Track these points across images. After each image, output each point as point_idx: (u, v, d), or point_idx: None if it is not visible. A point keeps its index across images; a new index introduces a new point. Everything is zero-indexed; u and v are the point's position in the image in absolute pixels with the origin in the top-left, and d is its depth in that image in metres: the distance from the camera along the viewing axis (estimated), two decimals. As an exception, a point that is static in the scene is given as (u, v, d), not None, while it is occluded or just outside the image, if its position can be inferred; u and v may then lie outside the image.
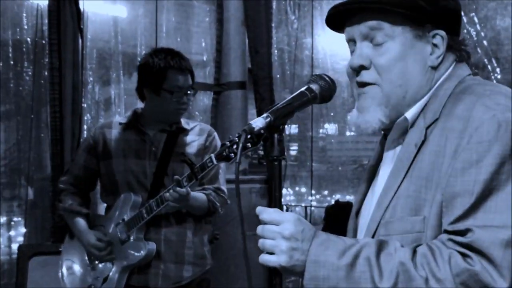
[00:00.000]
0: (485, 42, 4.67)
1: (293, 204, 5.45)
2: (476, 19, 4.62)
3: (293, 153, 5.86)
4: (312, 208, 5.18)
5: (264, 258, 1.55)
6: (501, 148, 1.44)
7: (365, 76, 1.67)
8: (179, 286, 3.49)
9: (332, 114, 5.10)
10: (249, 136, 1.60)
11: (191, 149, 3.58)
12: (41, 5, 4.93)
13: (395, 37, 1.64)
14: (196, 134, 3.64)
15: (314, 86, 1.69)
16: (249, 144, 3.11)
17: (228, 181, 3.71)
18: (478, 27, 4.66)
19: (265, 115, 1.60)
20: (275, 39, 5.25)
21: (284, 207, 5.23)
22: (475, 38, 4.63)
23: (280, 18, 5.31)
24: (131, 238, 3.44)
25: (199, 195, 3.44)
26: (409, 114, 1.66)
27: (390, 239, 1.53)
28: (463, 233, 1.43)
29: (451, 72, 1.67)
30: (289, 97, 1.66)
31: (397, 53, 1.63)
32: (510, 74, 4.63)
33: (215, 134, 3.69)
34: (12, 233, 5.07)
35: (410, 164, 1.59)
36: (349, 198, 5.31)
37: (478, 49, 4.60)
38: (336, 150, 5.55)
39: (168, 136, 3.56)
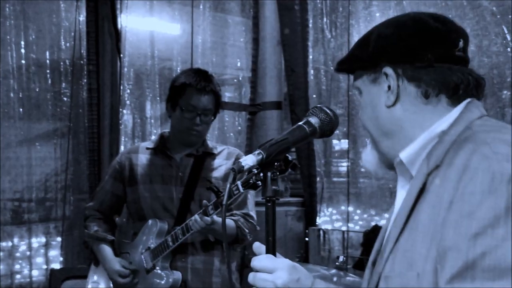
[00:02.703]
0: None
1: (331, 226, 5.31)
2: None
3: (343, 169, 5.74)
4: (351, 231, 5.04)
5: None
6: (495, 201, 1.30)
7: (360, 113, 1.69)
8: (206, 315, 3.40)
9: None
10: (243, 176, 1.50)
11: (219, 173, 3.50)
12: (79, 26, 4.95)
13: (360, 88, 1.64)
14: (224, 158, 3.56)
15: (313, 120, 1.59)
16: (277, 172, 3.04)
17: (258, 204, 3.62)
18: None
19: (257, 151, 1.51)
20: (311, 58, 5.15)
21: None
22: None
23: (317, 37, 5.21)
24: (157, 266, 3.36)
25: (227, 222, 3.34)
26: (403, 154, 1.57)
27: None
28: None
29: (458, 117, 1.53)
30: (285, 132, 1.56)
31: (364, 102, 1.64)
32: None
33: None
34: (52, 253, 5.09)
35: (409, 214, 1.48)
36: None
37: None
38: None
39: (194, 161, 3.49)
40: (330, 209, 5.25)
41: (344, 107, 5.04)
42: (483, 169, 1.34)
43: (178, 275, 3.35)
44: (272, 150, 1.51)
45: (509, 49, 4.33)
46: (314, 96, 5.18)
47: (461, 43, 1.58)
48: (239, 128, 5.23)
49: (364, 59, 1.61)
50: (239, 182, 3.12)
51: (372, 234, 4.61)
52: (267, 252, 1.51)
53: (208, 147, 3.54)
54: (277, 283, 1.42)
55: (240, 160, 1.49)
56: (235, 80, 5.24)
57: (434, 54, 1.54)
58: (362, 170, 5.18)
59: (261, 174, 1.54)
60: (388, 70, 1.57)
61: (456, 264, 1.31)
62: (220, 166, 3.53)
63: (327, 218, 5.25)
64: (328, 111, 1.63)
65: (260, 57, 5.16)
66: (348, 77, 4.91)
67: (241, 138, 5.18)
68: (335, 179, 5.45)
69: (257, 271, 1.47)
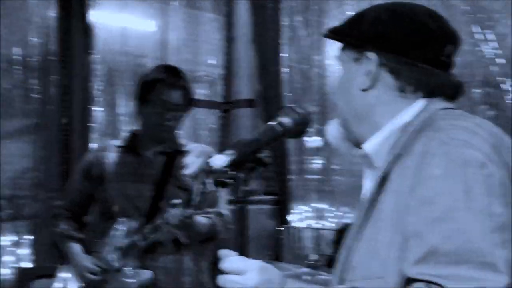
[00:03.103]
0: (502, 60, 4.52)
1: (310, 223, 5.29)
2: (492, 37, 4.47)
3: (315, 167, 5.74)
4: (323, 229, 5.03)
5: None
6: (453, 185, 1.32)
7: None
8: (177, 315, 3.37)
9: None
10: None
11: (191, 171, 3.45)
12: (50, 22, 4.88)
13: (342, 61, 1.66)
14: (196, 155, 3.53)
15: (285, 120, 1.57)
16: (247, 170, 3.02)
17: (233, 202, 3.59)
18: (494, 45, 4.51)
19: (228, 151, 1.48)
20: (284, 57, 5.15)
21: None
22: (492, 56, 4.47)
23: (290, 35, 5.21)
24: (127, 266, 3.32)
25: (200, 220, 3.32)
26: (367, 145, 1.60)
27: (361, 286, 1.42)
28: (434, 283, 1.29)
29: (422, 109, 1.55)
30: (257, 132, 1.55)
31: (341, 77, 1.66)
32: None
33: (216, 156, 3.57)
34: (22, 252, 5.02)
35: (372, 204, 1.49)
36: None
37: (493, 68, 4.44)
38: (357, 163, 5.39)
39: (165, 158, 3.46)
40: (302, 207, 5.24)
41: (318, 105, 5.03)
42: (440, 154, 1.36)
43: (148, 274, 3.31)
44: (243, 151, 1.50)
45: (479, 49, 4.36)
46: (288, 94, 5.17)
47: (449, 49, 1.59)
48: (212, 126, 5.21)
49: (353, 36, 1.62)
50: (209, 181, 3.11)
51: (344, 231, 4.59)
52: (238, 253, 1.48)
53: (180, 144, 3.52)
54: (248, 284, 1.40)
55: (210, 160, 1.47)
56: (208, 78, 5.21)
57: (421, 54, 1.55)
58: (335, 167, 5.18)
59: (233, 174, 1.51)
60: (372, 55, 1.58)
61: (419, 250, 1.32)
62: (193, 163, 3.49)
63: (300, 216, 5.25)
64: (300, 111, 1.61)
65: (233, 55, 5.15)
66: (322, 77, 4.95)
67: (214, 136, 5.16)
68: (307, 176, 5.44)
69: (227, 273, 1.43)
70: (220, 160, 1.46)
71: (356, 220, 1.57)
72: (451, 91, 1.58)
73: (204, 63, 5.27)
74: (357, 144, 1.67)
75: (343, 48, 1.66)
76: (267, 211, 5.05)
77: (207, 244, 3.50)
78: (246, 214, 1.49)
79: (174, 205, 3.13)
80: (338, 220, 5.16)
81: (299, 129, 1.60)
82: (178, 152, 3.49)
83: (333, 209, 5.30)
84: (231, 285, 1.42)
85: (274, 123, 1.58)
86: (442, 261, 1.29)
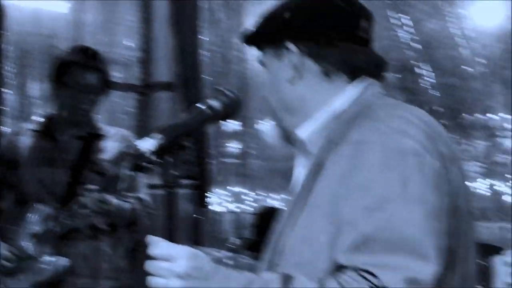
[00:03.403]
0: (417, 45, 4.62)
1: (225, 207, 5.29)
2: (408, 22, 4.56)
3: (230, 150, 5.74)
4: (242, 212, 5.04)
5: None
6: (389, 174, 1.33)
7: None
8: (95, 302, 3.31)
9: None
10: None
11: (108, 156, 3.39)
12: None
13: (263, 61, 1.64)
14: (114, 140, 3.45)
15: (214, 103, 1.54)
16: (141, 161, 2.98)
17: (152, 187, 3.55)
18: (411, 29, 4.60)
19: (155, 135, 1.44)
20: (203, 39, 5.10)
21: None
22: (409, 41, 4.57)
23: (209, 18, 5.17)
24: (43, 253, 3.23)
25: (120, 204, 3.26)
26: (301, 132, 1.58)
27: (295, 273, 1.39)
28: (363, 270, 1.30)
29: (358, 97, 1.55)
30: (186, 115, 1.51)
31: (265, 77, 1.64)
32: (442, 77, 4.59)
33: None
34: None
35: (306, 191, 1.49)
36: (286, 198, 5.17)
37: (411, 52, 4.53)
38: (273, 147, 5.41)
39: (82, 143, 3.37)
40: (221, 191, 5.23)
41: (237, 88, 5.02)
42: (377, 143, 1.36)
43: (64, 261, 3.23)
44: (172, 134, 1.46)
45: (395, 33, 4.44)
46: (207, 77, 5.13)
47: (364, 24, 1.59)
48: (129, 109, 5.13)
49: (269, 33, 1.61)
50: (129, 165, 3.04)
51: (264, 215, 4.62)
52: (166, 239, 1.44)
53: (97, 128, 3.44)
54: (177, 271, 1.36)
55: (138, 143, 1.42)
56: (125, 60, 5.11)
57: (337, 34, 1.55)
58: (253, 152, 5.20)
59: (156, 159, 1.47)
60: (291, 46, 1.57)
61: (351, 237, 1.32)
62: (112, 148, 3.42)
63: (218, 200, 5.24)
64: (229, 93, 1.59)
65: (150, 37, 5.05)
66: (242, 60, 4.93)
67: (131, 119, 5.07)
68: (226, 160, 5.44)
69: (155, 259, 1.39)
70: (148, 144, 1.42)
71: (288, 206, 1.56)
72: (374, 68, 1.59)
73: (121, 45, 5.17)
74: (292, 140, 1.65)
75: (262, 50, 1.65)
76: (186, 196, 5.01)
77: (126, 229, 3.43)
78: (175, 199, 1.44)
79: (91, 190, 3.06)
80: (257, 204, 5.18)
81: (229, 112, 1.57)
82: (95, 136, 3.41)
83: (251, 193, 5.32)
84: (159, 272, 1.37)
85: (203, 106, 1.54)
86: (374, 250, 1.30)
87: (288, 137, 1.65)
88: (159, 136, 1.44)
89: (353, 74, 1.57)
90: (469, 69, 4.32)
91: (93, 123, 3.45)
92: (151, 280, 1.38)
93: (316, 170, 1.48)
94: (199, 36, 5.02)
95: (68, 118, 3.37)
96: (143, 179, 3.48)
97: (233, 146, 5.73)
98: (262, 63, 1.65)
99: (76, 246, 3.28)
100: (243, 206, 5.06)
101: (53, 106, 3.44)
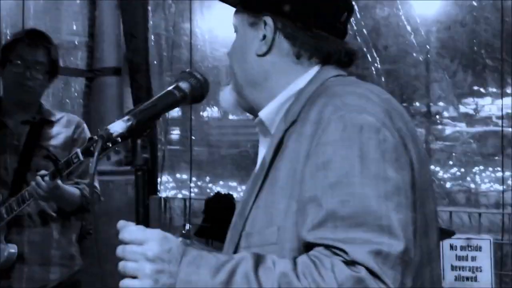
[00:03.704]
0: (364, 31, 4.66)
1: (172, 194, 5.26)
2: (356, 8, 4.60)
3: (174, 137, 5.70)
4: (192, 199, 5.02)
5: (126, 284, 1.36)
6: (348, 150, 1.34)
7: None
8: (45, 289, 3.26)
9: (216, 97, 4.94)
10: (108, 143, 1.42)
11: (57, 141, 3.34)
12: None
13: (237, 26, 1.64)
14: (63, 125, 3.40)
15: (183, 85, 1.52)
16: (109, 144, 2.94)
17: (100, 173, 3.52)
18: (358, 16, 4.64)
19: (126, 118, 1.42)
20: (151, 24, 5.05)
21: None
22: (355, 28, 4.61)
23: (157, 2, 5.10)
24: (-9, 240, 3.17)
25: (71, 190, 3.21)
26: (263, 113, 1.59)
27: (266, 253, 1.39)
28: (333, 246, 1.31)
29: (314, 76, 1.56)
30: (154, 97, 1.49)
31: (235, 41, 1.65)
32: (389, 63, 4.65)
33: (84, 125, 3.46)
34: None
35: (267, 171, 1.49)
36: (232, 184, 5.20)
37: (358, 38, 4.58)
38: (218, 134, 5.43)
39: (30, 128, 3.30)
40: (168, 177, 5.20)
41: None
42: (334, 119, 1.37)
43: (13, 247, 3.18)
44: (141, 117, 1.43)
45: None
46: (155, 62, 5.08)
47: (344, 16, 1.60)
48: (76, 94, 5.04)
49: (251, 0, 1.61)
50: (79, 150, 3.00)
51: (213, 201, 4.61)
52: (138, 222, 1.42)
53: (45, 113, 3.37)
54: (148, 255, 1.34)
55: (109, 126, 1.40)
56: (71, 45, 5.02)
57: (317, 21, 1.56)
58: (193, 138, 5.17)
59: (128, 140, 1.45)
60: (269, 20, 1.56)
61: (316, 215, 1.33)
62: (59, 134, 3.37)
63: (166, 186, 5.21)
64: (198, 75, 1.57)
65: (97, 21, 4.97)
66: (191, 45, 4.91)
67: (78, 104, 4.99)
68: (171, 147, 5.40)
69: (126, 243, 1.38)
70: (118, 127, 1.40)
71: (250, 187, 1.56)
72: (346, 58, 1.59)
73: (67, 30, 5.07)
74: (249, 110, 1.66)
75: (237, 13, 1.64)
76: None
77: (76, 216, 3.39)
78: (144, 183, 1.43)
79: (42, 176, 3.00)
80: (201, 190, 5.17)
81: (198, 94, 1.55)
82: (44, 122, 3.35)
83: (195, 179, 5.30)
84: (130, 256, 1.36)
85: (172, 88, 1.52)
86: (339, 225, 1.31)
87: (247, 106, 1.66)
88: (129, 118, 1.42)
89: (323, 61, 1.57)
90: (414, 55, 4.39)
91: (41, 108, 3.38)
92: (122, 264, 1.37)
93: (276, 150, 1.49)
94: (148, 21, 4.97)
95: (14, 98, 3.30)
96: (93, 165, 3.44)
97: (177, 133, 5.71)
98: (235, 27, 1.64)
99: (25, 233, 3.23)
100: (187, 193, 5.04)
101: (1, 89, 3.38)
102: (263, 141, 1.62)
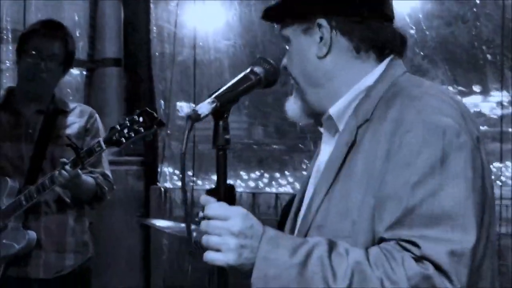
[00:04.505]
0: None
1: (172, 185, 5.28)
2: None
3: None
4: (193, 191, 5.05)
5: (210, 256, 1.44)
6: (431, 151, 1.42)
7: (284, 60, 1.72)
8: (60, 275, 3.31)
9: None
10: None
11: (71, 131, 3.38)
12: None
13: (289, 37, 1.66)
14: (76, 115, 3.45)
15: (258, 69, 1.59)
16: (141, 129, 3.00)
17: (113, 163, 3.57)
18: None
19: (210, 100, 1.49)
20: (153, 16, 5.07)
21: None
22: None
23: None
24: (9, 226, 3.21)
25: (88, 179, 3.26)
26: (333, 110, 1.63)
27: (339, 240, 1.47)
28: (407, 241, 1.39)
29: (383, 72, 1.61)
30: (232, 81, 1.56)
31: (290, 52, 1.67)
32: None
33: (97, 116, 3.52)
34: None
35: (340, 166, 1.55)
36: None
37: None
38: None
39: (45, 118, 3.35)
40: (170, 168, 5.23)
41: (185, 68, 5.01)
42: (417, 122, 1.44)
43: (33, 234, 3.23)
44: (224, 99, 1.50)
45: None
46: (157, 54, 5.11)
47: (391, 1, 1.66)
48: (77, 85, 5.05)
49: (297, 8, 1.64)
50: (101, 139, 3.06)
51: (215, 191, 4.64)
52: (219, 199, 1.49)
53: (59, 103, 3.42)
54: (232, 230, 1.42)
55: (196, 107, 1.47)
56: (72, 35, 5.01)
57: (368, 10, 1.60)
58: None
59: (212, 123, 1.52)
60: (322, 21, 1.60)
61: (395, 212, 1.40)
62: (73, 123, 3.42)
63: (168, 177, 5.24)
64: (271, 61, 1.64)
65: (99, 12, 4.98)
66: (195, 37, 4.92)
67: (79, 95, 5.00)
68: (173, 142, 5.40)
69: (209, 219, 1.45)
70: (205, 108, 1.47)
71: (318, 181, 1.61)
72: (399, 45, 1.65)
73: (68, 20, 5.06)
74: (315, 115, 1.70)
75: (286, 25, 1.67)
76: (135, 172, 5.01)
77: (91, 204, 3.44)
78: (225, 162, 1.50)
79: (64, 164, 3.05)
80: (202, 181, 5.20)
81: (271, 79, 1.62)
82: (58, 112, 3.39)
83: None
84: (214, 230, 1.43)
85: (248, 72, 1.58)
86: (417, 223, 1.38)
87: (311, 111, 1.69)
88: (214, 101, 1.49)
89: (381, 51, 1.62)
90: (415, 50, 4.46)
91: (55, 98, 3.42)
92: (206, 238, 1.44)
93: (349, 146, 1.54)
94: (149, 12, 4.99)
95: (28, 89, 3.34)
96: (105, 155, 3.49)
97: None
98: (286, 38, 1.68)
99: (42, 220, 3.28)
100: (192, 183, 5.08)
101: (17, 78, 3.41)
102: (328, 138, 1.67)
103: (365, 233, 1.46)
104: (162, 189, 5.11)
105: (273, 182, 5.01)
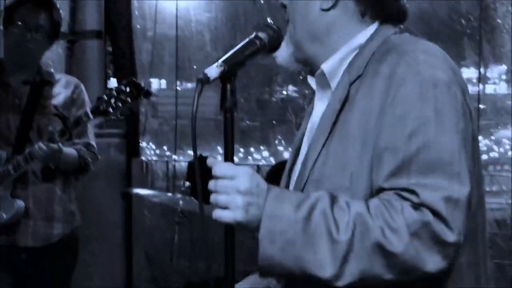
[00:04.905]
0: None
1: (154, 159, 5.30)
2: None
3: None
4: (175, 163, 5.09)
5: (218, 214, 1.49)
6: (424, 103, 1.48)
7: (286, 15, 1.74)
8: (48, 244, 3.36)
9: (195, 67, 5.00)
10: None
11: (57, 101, 3.42)
12: None
13: None
14: (62, 86, 3.48)
15: (262, 35, 1.63)
16: (128, 99, 3.04)
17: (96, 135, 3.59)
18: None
19: (218, 63, 1.52)
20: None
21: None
22: None
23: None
24: (-2, 195, 3.24)
25: (69, 151, 3.28)
26: (325, 66, 1.68)
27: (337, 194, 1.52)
28: (405, 190, 1.45)
29: (375, 32, 1.67)
30: (238, 46, 1.59)
31: (297, 3, 1.69)
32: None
33: (82, 87, 3.55)
34: None
35: (334, 122, 1.60)
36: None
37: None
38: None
39: (32, 88, 3.37)
40: (151, 143, 5.24)
41: (167, 40, 5.01)
42: (410, 76, 1.50)
43: (21, 203, 3.26)
44: (232, 63, 1.53)
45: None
46: (138, 26, 5.10)
47: None
48: (58, 57, 5.03)
49: None
50: (88, 109, 3.10)
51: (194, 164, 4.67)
52: (226, 160, 1.53)
53: (45, 75, 3.44)
54: (240, 188, 1.47)
55: (205, 71, 1.51)
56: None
57: None
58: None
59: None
60: None
61: (393, 163, 1.47)
62: (59, 94, 3.45)
63: (149, 148, 5.25)
64: (274, 26, 1.68)
65: (78, -18, 4.97)
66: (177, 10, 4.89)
67: (60, 67, 4.98)
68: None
69: (217, 178, 1.50)
70: (213, 71, 1.51)
71: (313, 138, 1.66)
72: (401, 16, 1.70)
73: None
74: (305, 63, 1.75)
75: None
76: (117, 145, 5.02)
77: (75, 175, 3.47)
78: (232, 124, 1.54)
79: (51, 134, 3.08)
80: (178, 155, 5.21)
81: (274, 44, 1.67)
82: (44, 83, 3.41)
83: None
84: (222, 189, 1.48)
85: (253, 37, 1.62)
86: (414, 171, 1.45)
87: (305, 62, 1.74)
88: (221, 64, 1.52)
89: (385, 19, 1.67)
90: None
91: (41, 69, 3.44)
92: (214, 197, 1.49)
93: (342, 102, 1.60)
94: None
95: (14, 59, 3.36)
96: (91, 126, 3.52)
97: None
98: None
99: (29, 190, 3.31)
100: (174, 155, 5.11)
101: (3, 49, 3.41)
102: (322, 94, 1.72)
103: (364, 184, 1.52)
104: (144, 162, 5.14)
105: (249, 157, 5.04)
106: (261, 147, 4.95)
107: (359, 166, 1.53)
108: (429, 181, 1.44)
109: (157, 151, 5.26)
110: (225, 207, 1.48)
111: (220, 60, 1.53)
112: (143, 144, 5.23)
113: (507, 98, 4.23)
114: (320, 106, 1.72)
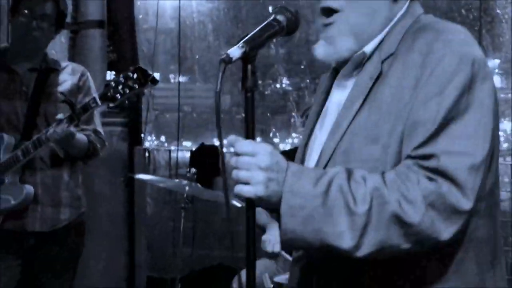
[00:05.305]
0: None
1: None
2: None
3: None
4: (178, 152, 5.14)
5: (240, 189, 1.54)
6: (461, 79, 1.54)
7: (329, 1, 1.70)
8: (56, 229, 3.41)
9: (197, 57, 5.04)
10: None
11: (64, 88, 3.46)
12: None
13: None
14: (68, 73, 3.52)
15: (281, 18, 1.66)
16: (136, 85, 3.08)
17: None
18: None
19: (240, 44, 1.55)
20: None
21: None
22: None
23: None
24: (6, 181, 3.28)
25: (80, 136, 3.33)
26: (368, 48, 1.71)
27: (354, 168, 1.57)
28: (427, 157, 1.51)
29: (406, 10, 1.72)
30: (258, 28, 1.62)
31: None
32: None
33: (88, 74, 3.59)
34: None
35: (366, 95, 1.65)
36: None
37: None
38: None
39: (38, 76, 3.42)
40: (153, 132, 5.29)
41: (169, 31, 5.05)
42: (448, 53, 1.56)
43: (30, 188, 3.31)
44: (253, 44, 1.57)
45: None
46: (140, 16, 5.13)
47: None
48: (61, 47, 5.06)
49: None
50: (96, 96, 3.14)
51: (198, 152, 4.76)
52: (247, 137, 1.56)
53: (51, 62, 3.49)
54: (260, 165, 1.51)
55: (228, 51, 1.54)
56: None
57: None
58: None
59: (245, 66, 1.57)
60: None
61: (424, 135, 1.52)
62: (65, 81, 3.49)
63: (151, 138, 5.30)
64: (292, 9, 1.71)
65: (81, -26, 5.00)
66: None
67: (63, 57, 5.01)
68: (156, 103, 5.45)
69: (238, 155, 1.54)
70: (236, 52, 1.54)
71: (341, 112, 1.69)
72: None
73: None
74: (341, 59, 1.74)
75: None
76: (120, 133, 5.06)
77: (85, 160, 3.51)
78: (253, 103, 1.58)
79: (60, 121, 3.12)
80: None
81: (292, 27, 1.70)
82: (50, 70, 3.45)
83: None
84: (244, 165, 1.52)
85: (271, 20, 1.66)
86: (441, 141, 1.51)
87: (339, 58, 1.74)
88: (243, 45, 1.56)
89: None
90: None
91: (47, 56, 3.48)
92: (236, 172, 1.54)
93: (374, 80, 1.64)
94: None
95: (20, 47, 3.40)
96: (98, 112, 3.57)
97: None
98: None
99: (38, 175, 3.35)
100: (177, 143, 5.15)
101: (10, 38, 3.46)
102: (341, 82, 1.75)
103: (394, 156, 1.57)
104: (146, 150, 5.18)
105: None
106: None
107: (390, 138, 1.57)
108: (455, 148, 1.50)
109: (155, 142, 5.31)
110: (246, 183, 1.53)
111: (242, 42, 1.56)
112: (146, 134, 5.27)
113: (500, 91, 4.29)
114: (339, 92, 1.76)
